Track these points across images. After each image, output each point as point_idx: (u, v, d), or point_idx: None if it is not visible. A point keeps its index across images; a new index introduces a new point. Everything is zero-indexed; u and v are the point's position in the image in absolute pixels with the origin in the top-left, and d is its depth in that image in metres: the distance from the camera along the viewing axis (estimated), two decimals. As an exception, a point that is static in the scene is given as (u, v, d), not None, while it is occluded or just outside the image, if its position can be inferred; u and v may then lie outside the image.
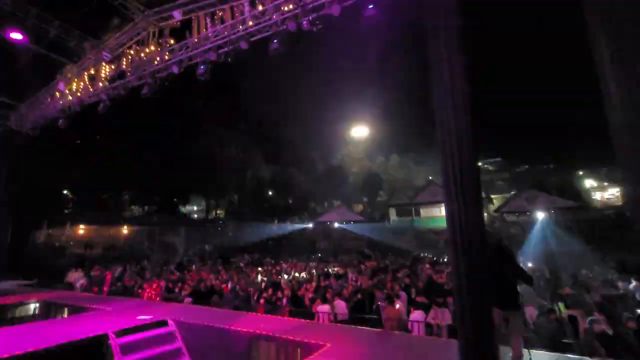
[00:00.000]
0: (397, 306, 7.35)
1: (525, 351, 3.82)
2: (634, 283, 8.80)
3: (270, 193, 42.11)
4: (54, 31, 9.43)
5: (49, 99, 12.04)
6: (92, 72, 10.75)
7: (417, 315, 6.87)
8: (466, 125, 3.89)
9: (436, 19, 4.21)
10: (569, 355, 4.06)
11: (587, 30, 3.54)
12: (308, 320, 6.68)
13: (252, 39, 7.57)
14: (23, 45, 9.69)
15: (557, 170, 39.86)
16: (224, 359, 5.68)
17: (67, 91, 11.18)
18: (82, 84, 10.93)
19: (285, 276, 13.35)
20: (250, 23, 7.51)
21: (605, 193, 37.91)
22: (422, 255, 20.76)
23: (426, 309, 7.02)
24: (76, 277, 12.52)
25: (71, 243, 27.26)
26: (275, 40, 7.03)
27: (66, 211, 30.69)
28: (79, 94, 10.89)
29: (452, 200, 3.76)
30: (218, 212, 43.48)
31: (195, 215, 45.30)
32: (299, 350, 5.04)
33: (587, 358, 4.01)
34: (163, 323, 6.36)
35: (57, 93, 11.55)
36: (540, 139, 38.52)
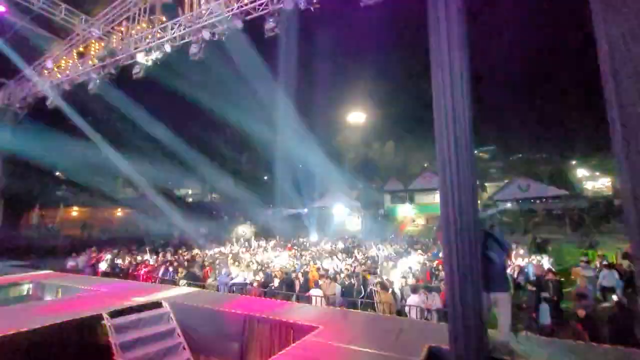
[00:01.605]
0: (390, 291, 7.52)
1: (512, 334, 3.94)
2: (604, 271, 9.13)
3: (265, 178, 41.98)
4: (38, 4, 9.00)
5: (37, 77, 11.63)
6: (82, 49, 10.38)
7: (411, 299, 7.02)
8: (464, 112, 3.84)
9: (437, 5, 4.07)
10: (554, 339, 4.19)
11: (589, 20, 3.45)
12: (301, 303, 6.79)
13: (247, 18, 7.31)
14: (6, 18, 9.26)
15: (549, 160, 40.16)
16: (218, 341, 5.77)
17: (55, 69, 10.79)
18: (71, 61, 10.55)
19: (280, 260, 13.47)
20: (246, 1, 7.23)
21: (597, 183, 38.46)
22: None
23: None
24: (76, 261, 12.51)
25: (64, 225, 27.14)
26: (271, 20, 6.80)
27: (59, 193, 30.30)
28: (68, 72, 10.52)
29: (447, 186, 3.75)
30: (213, 195, 43.39)
31: (191, 199, 45.17)
32: (292, 332, 5.13)
33: (570, 341, 4.15)
34: (157, 304, 6.42)
35: (45, 71, 11.15)
36: (534, 129, 38.57)
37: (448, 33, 3.93)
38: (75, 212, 29.89)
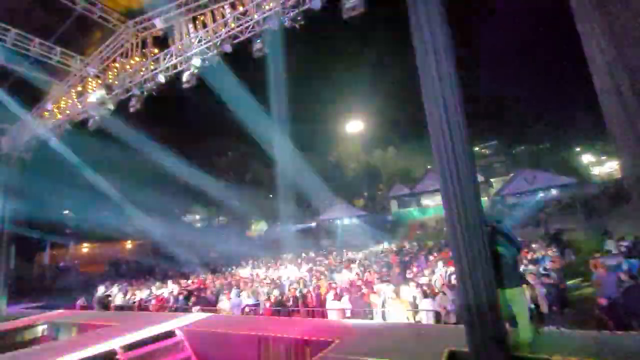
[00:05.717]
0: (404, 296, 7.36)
1: (533, 329, 3.80)
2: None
3: (270, 195, 42.06)
4: (36, 50, 9.35)
5: (38, 120, 11.96)
6: (79, 88, 10.69)
7: (426, 303, 6.86)
8: (456, 107, 3.85)
9: (417, 6, 4.15)
10: (577, 330, 4.04)
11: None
12: (315, 319, 6.67)
13: (235, 41, 7.53)
14: (4, 65, 9.61)
15: (553, 149, 39.80)
16: (234, 364, 5.65)
17: (55, 110, 11.10)
18: (70, 101, 10.85)
19: (290, 277, 13.29)
20: (232, 25, 7.46)
21: (604, 167, 37.92)
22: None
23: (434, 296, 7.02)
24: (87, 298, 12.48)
25: (76, 262, 27.31)
26: (259, 41, 6.99)
27: (68, 231, 30.57)
28: (68, 112, 10.81)
29: (448, 184, 3.73)
30: (220, 219, 43.48)
31: (198, 224, 45.29)
32: (308, 348, 5.02)
33: (593, 332, 3.99)
34: (171, 333, 6.35)
35: (46, 113, 11.48)
36: (534, 119, 38.44)
37: (431, 32, 3.99)
38: (85, 248, 30.11)
